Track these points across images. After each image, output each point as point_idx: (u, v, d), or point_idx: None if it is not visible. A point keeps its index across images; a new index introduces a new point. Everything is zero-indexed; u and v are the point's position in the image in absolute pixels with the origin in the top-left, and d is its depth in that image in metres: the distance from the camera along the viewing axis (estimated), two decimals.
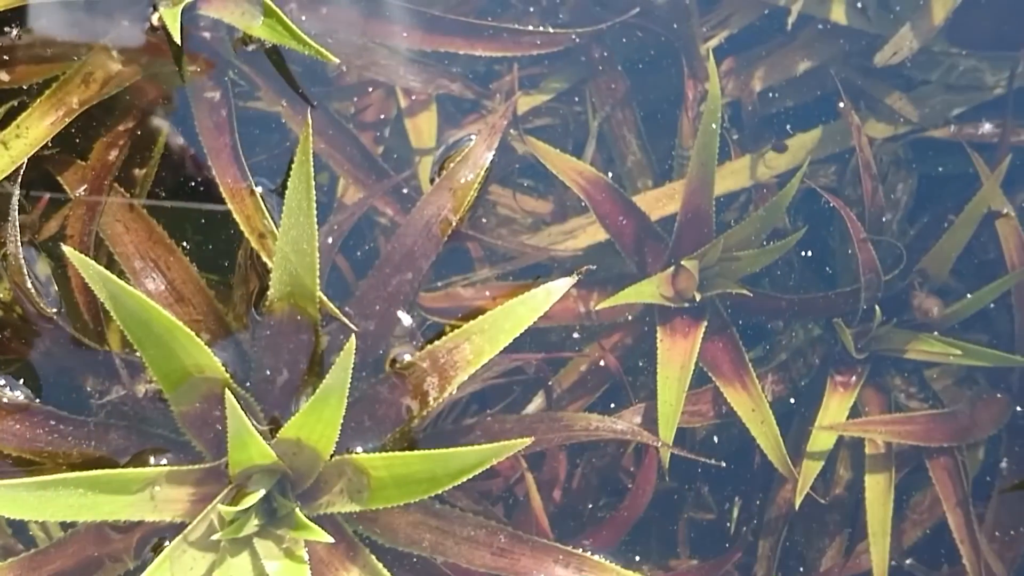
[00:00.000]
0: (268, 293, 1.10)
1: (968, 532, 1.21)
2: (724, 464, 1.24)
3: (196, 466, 1.06)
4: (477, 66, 1.32)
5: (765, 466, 1.22)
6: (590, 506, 1.24)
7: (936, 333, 1.26)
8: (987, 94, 1.33)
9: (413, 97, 1.30)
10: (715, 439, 1.27)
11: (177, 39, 1.13)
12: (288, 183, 1.05)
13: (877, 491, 1.22)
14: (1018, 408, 1.28)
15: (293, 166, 1.04)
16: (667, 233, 1.26)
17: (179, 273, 1.16)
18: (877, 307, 1.23)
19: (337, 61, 1.16)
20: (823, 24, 1.35)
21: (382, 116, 1.32)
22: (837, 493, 1.27)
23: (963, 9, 1.32)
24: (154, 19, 1.21)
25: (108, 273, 0.98)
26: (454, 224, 1.17)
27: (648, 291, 1.23)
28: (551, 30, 1.29)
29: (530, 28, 1.29)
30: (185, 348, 1.02)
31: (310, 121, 1.06)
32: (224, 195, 1.17)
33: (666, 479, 1.22)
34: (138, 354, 1.03)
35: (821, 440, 1.22)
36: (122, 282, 0.99)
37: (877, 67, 1.32)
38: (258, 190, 1.18)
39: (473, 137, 1.24)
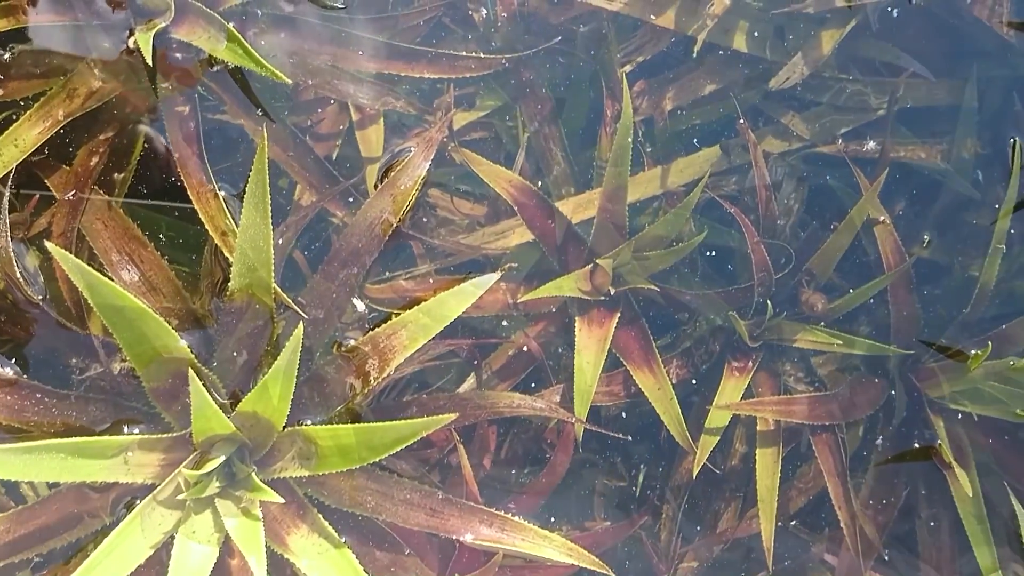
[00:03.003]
0: (229, 284, 1.15)
1: (846, 500, 1.28)
2: (633, 438, 1.32)
3: (165, 435, 1.12)
4: (422, 85, 1.37)
5: (669, 440, 1.29)
6: (514, 472, 1.30)
7: (822, 325, 1.33)
8: (871, 115, 1.39)
9: (367, 110, 1.35)
10: (624, 416, 1.33)
11: (149, 60, 1.18)
12: (247, 188, 1.10)
13: (766, 463, 1.28)
14: (892, 392, 1.34)
15: (251, 173, 1.10)
16: (586, 235, 1.32)
17: (151, 265, 1.21)
18: (769, 302, 1.30)
19: (289, 81, 1.19)
20: (725, 51, 1.40)
21: (340, 127, 1.36)
22: (733, 464, 1.33)
23: (848, 40, 1.38)
24: (130, 42, 1.25)
25: (85, 265, 1.03)
26: (394, 224, 1.22)
27: (568, 286, 1.29)
28: (481, 55, 1.34)
29: (464, 53, 1.34)
30: (154, 332, 1.08)
31: (266, 134, 1.12)
32: (191, 197, 1.22)
33: (580, 451, 1.29)
34: (114, 336, 1.08)
35: (718, 418, 1.29)
36: (97, 273, 1.04)
37: (772, 90, 1.38)
38: (221, 194, 1.22)
39: (413, 148, 1.28)
